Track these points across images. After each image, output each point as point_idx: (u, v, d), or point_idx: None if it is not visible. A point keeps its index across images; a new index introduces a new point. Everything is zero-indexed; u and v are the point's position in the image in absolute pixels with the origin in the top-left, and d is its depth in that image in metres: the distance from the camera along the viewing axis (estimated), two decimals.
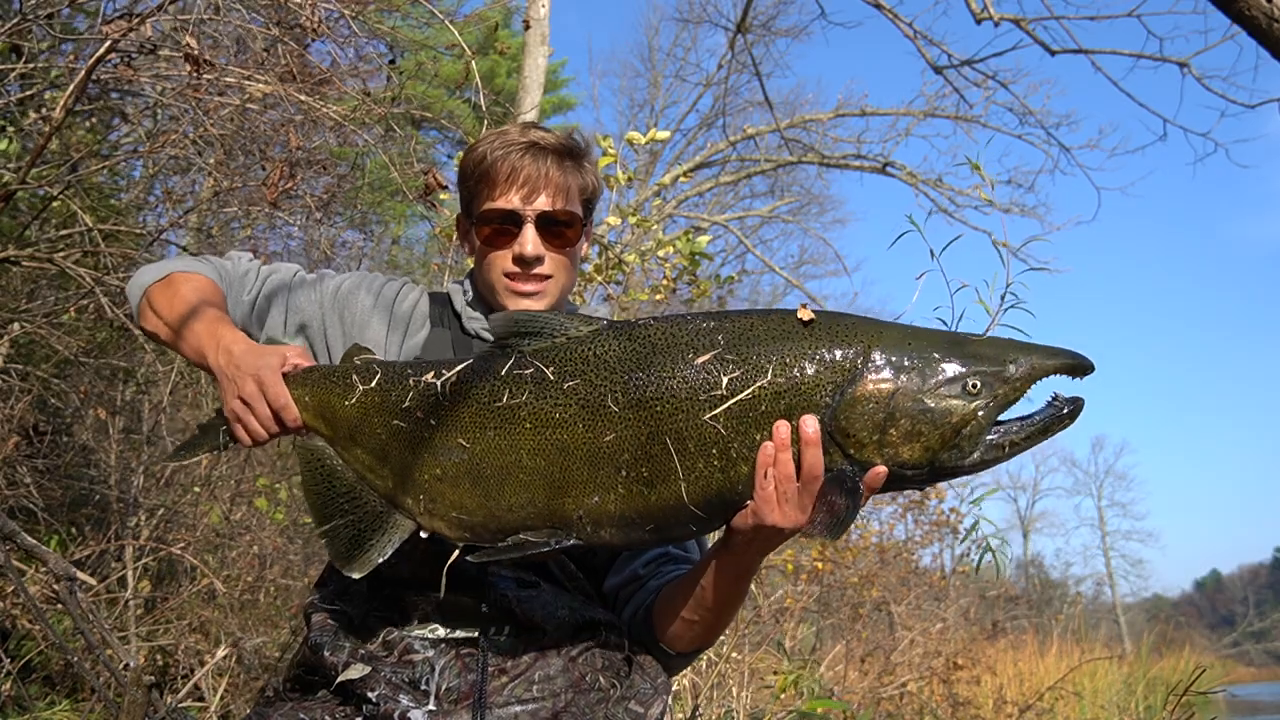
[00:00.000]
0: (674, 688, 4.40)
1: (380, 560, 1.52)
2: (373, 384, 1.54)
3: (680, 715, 4.38)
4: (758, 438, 1.36)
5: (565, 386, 1.42)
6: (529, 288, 1.74)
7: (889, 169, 16.88)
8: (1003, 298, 1.49)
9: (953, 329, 1.48)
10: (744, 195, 19.81)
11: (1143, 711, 10.23)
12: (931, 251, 1.48)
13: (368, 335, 1.78)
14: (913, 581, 10.24)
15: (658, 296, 5.79)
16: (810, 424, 1.35)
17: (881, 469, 1.36)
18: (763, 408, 1.36)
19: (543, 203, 1.74)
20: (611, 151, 5.23)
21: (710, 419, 1.36)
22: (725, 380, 1.37)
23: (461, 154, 1.85)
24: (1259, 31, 4.01)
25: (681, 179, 17.25)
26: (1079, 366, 1.40)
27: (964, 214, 16.10)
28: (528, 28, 7.02)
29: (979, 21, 8.90)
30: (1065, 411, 1.39)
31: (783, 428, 1.35)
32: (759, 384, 1.36)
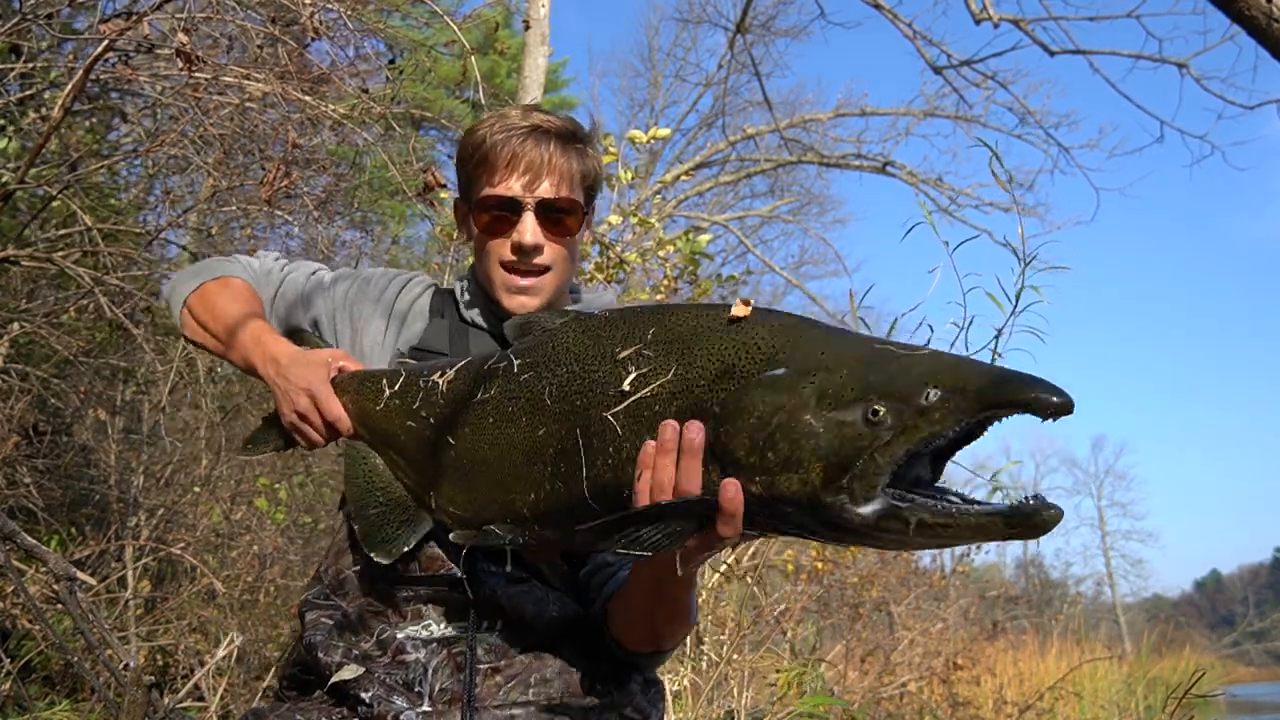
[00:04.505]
0: (674, 688, 4.39)
1: (405, 549, 1.54)
2: (396, 388, 1.56)
3: (680, 716, 4.37)
4: (647, 438, 1.24)
5: (522, 380, 1.40)
6: (527, 282, 1.69)
7: (889, 169, 16.90)
8: (1017, 298, 1.43)
9: (958, 338, 1.35)
10: (744, 195, 19.82)
11: (1143, 712, 10.24)
12: (946, 243, 1.47)
13: (368, 336, 1.79)
14: (913, 581, 10.22)
15: (659, 296, 5.78)
16: (694, 431, 1.20)
17: (731, 488, 1.15)
18: (656, 408, 1.25)
19: (544, 190, 1.66)
20: (613, 150, 5.22)
21: (610, 416, 1.27)
22: (632, 376, 1.27)
23: (460, 135, 1.80)
24: (1259, 31, 4.01)
25: (682, 179, 17.25)
26: (1038, 402, 1.04)
27: (964, 213, 16.12)
28: (528, 27, 7.02)
29: (978, 22, 8.90)
30: (1015, 516, 1.04)
31: (668, 430, 1.21)
32: (659, 383, 1.25)
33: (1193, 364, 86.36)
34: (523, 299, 1.70)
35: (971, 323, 1.39)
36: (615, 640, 1.57)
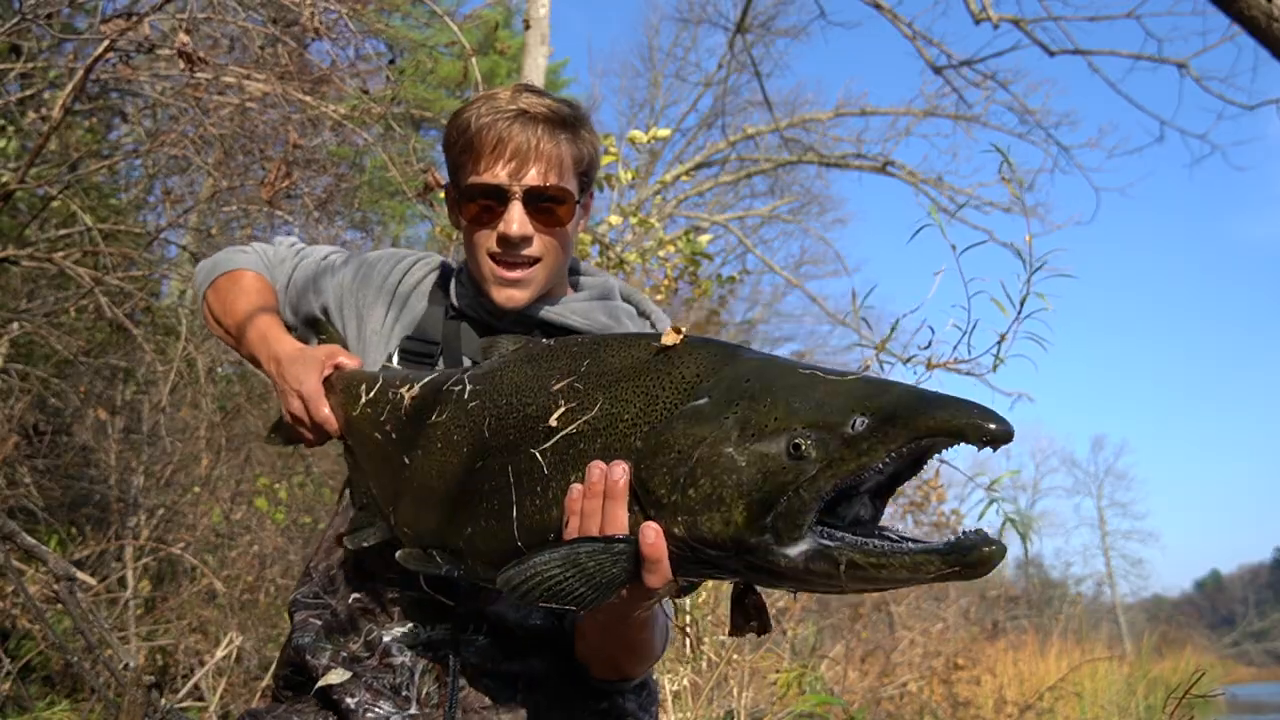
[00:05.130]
0: (674, 688, 4.39)
1: (363, 545, 1.53)
2: (371, 395, 1.53)
3: (680, 716, 4.37)
4: (573, 479, 1.17)
5: (469, 408, 1.33)
6: (515, 275, 1.61)
7: (889, 168, 16.89)
8: (1021, 303, 1.40)
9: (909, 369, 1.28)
10: (744, 195, 19.80)
11: (1143, 712, 10.24)
12: (953, 246, 1.45)
13: (370, 322, 1.77)
14: None
15: (658, 296, 5.78)
16: (617, 472, 1.13)
17: (650, 533, 1.09)
18: (581, 446, 1.17)
19: (532, 177, 1.57)
20: (613, 150, 5.22)
21: (539, 453, 1.21)
22: (560, 412, 1.20)
23: (449, 118, 1.71)
24: (1259, 31, 4.02)
25: (682, 179, 17.25)
26: (972, 429, 0.96)
27: (964, 213, 16.12)
28: (528, 27, 7.01)
29: (978, 22, 8.91)
30: (953, 554, 0.95)
31: (595, 472, 1.14)
32: (584, 418, 1.18)
33: (1192, 364, 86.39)
34: (511, 292, 1.63)
35: (975, 327, 1.35)
36: (583, 666, 1.52)
